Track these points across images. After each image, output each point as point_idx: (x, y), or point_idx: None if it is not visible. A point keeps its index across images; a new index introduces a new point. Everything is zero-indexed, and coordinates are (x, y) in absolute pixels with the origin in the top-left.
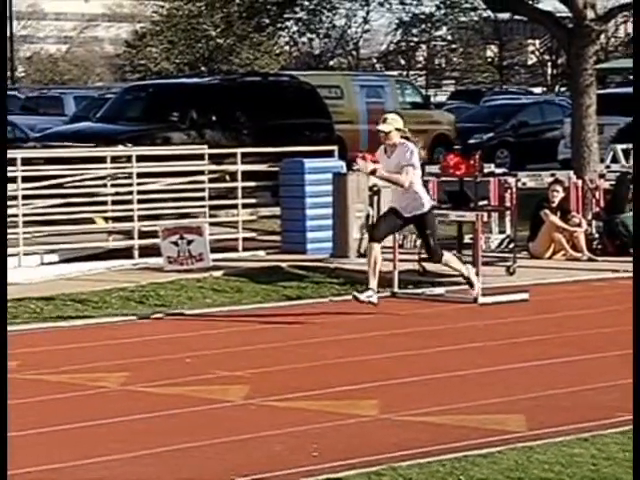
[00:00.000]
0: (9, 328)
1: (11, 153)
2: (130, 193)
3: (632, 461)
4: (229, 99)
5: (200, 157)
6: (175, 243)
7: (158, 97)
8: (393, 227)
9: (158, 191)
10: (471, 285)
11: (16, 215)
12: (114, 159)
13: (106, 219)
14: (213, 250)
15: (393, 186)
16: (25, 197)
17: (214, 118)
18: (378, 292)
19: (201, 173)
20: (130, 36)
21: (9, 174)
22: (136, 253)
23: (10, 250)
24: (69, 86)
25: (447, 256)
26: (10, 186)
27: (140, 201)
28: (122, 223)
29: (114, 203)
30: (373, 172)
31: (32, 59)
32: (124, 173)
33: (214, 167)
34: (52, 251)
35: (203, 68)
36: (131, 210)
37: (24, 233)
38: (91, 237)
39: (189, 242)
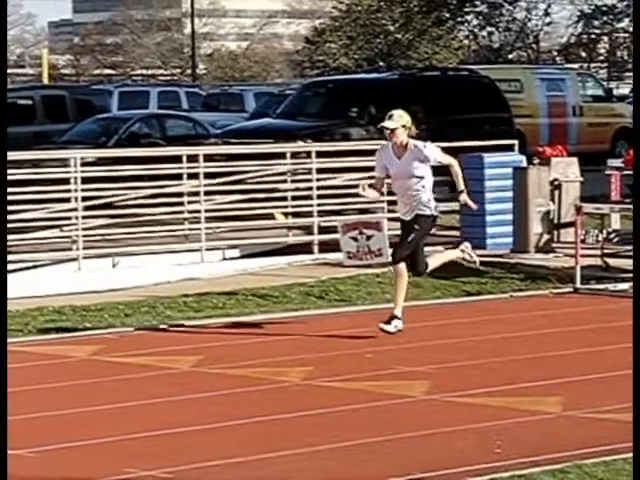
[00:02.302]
0: (191, 322)
1: (193, 150)
2: (310, 189)
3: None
4: (408, 94)
5: None
6: (354, 238)
7: (337, 93)
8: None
9: (337, 186)
10: (473, 262)
11: (198, 211)
12: (294, 155)
13: (286, 214)
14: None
15: (397, 187)
16: (207, 193)
17: None
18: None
19: None
20: (309, 32)
21: (192, 170)
22: (315, 248)
23: (193, 245)
24: (249, 83)
25: (433, 263)
26: (192, 182)
27: (319, 196)
28: (302, 218)
29: (294, 199)
30: (461, 196)
31: (213, 56)
32: (304, 169)
33: None
34: (233, 246)
35: (381, 63)
36: (310, 206)
37: (206, 229)
38: (271, 232)
39: (368, 237)
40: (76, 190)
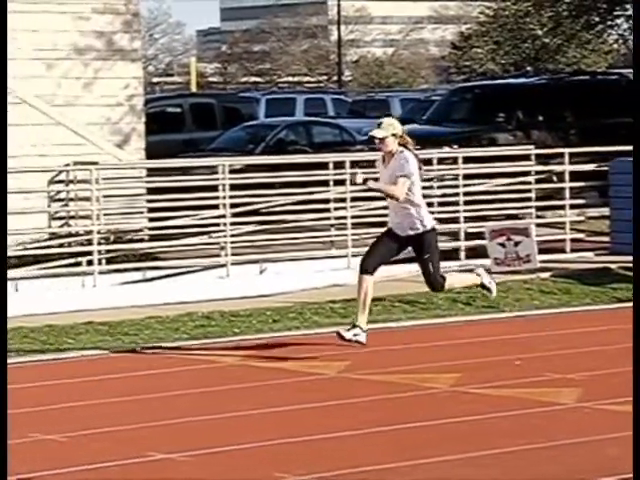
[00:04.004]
0: (338, 328)
1: (340, 157)
2: (456, 194)
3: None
4: (556, 99)
5: (526, 158)
6: (502, 244)
7: (484, 98)
8: (387, 254)
9: (484, 192)
10: (488, 290)
11: (344, 217)
12: (440, 161)
13: None
14: (540, 251)
15: (389, 200)
16: (353, 199)
17: (541, 118)
18: (366, 331)
19: (527, 174)
20: (456, 38)
21: (339, 177)
22: (462, 254)
23: (339, 252)
24: (395, 89)
25: (450, 280)
26: (339, 188)
27: (466, 202)
28: (448, 224)
29: (440, 205)
30: (364, 181)
31: (359, 63)
32: (451, 174)
33: (541, 167)
34: None
35: (529, 68)
36: (457, 211)
37: (353, 235)
38: None
39: (516, 243)
40: (224, 197)
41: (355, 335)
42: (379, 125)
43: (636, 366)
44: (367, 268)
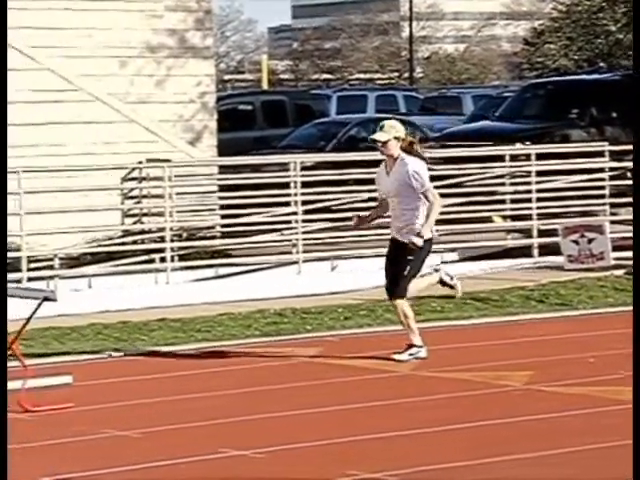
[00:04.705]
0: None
1: None
2: (529, 191)
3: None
4: (630, 95)
5: (600, 154)
6: (575, 242)
7: (557, 94)
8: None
9: (557, 189)
10: (451, 287)
11: None
12: (513, 157)
13: (504, 217)
14: (614, 249)
15: (392, 205)
16: None
17: (614, 114)
18: (422, 346)
19: (601, 170)
20: (528, 34)
21: None
22: (535, 252)
23: None
24: (467, 85)
25: (411, 289)
26: None
27: (539, 199)
28: (521, 222)
29: (512, 202)
30: (423, 237)
31: (430, 59)
32: (523, 171)
33: (615, 164)
34: (452, 249)
35: (602, 64)
36: (530, 208)
37: None
38: (490, 236)
39: (590, 240)
40: (296, 194)
41: (411, 355)
42: (381, 128)
43: (636, 366)
44: (397, 296)
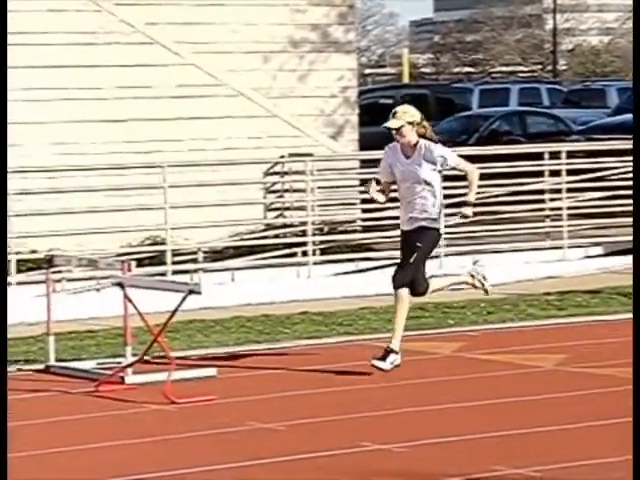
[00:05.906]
0: (554, 321)
1: (555, 147)
2: None
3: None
4: None
5: None
6: None
7: None
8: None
9: None
10: (485, 291)
11: (560, 208)
12: None
13: None
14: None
15: (402, 192)
16: (569, 190)
17: None
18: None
19: None
20: None
21: (554, 167)
22: None
23: (555, 243)
24: (611, 78)
25: (433, 284)
26: (554, 179)
27: None
28: None
29: None
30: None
31: (574, 52)
32: None
33: None
34: (596, 244)
35: None
36: None
37: (568, 226)
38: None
39: None
40: None
41: (392, 362)
42: (394, 114)
43: (636, 367)
44: (399, 284)
